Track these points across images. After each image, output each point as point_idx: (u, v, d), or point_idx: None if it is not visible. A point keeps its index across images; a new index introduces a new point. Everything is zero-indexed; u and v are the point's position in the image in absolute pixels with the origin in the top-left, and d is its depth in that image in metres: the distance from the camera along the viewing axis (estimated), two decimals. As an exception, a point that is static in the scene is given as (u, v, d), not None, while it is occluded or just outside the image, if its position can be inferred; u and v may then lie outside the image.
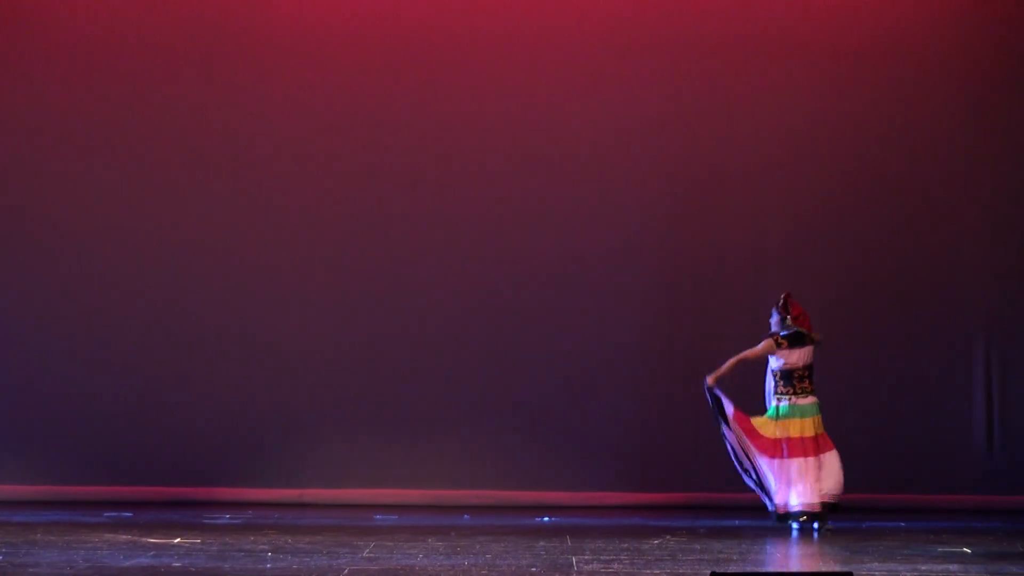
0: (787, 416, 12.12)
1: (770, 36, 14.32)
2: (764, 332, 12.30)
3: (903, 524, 12.75)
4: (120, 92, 14.31)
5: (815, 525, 11.94)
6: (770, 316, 12.33)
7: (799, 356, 12.17)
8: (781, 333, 12.20)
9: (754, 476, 12.18)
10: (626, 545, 11.13)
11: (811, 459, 12.03)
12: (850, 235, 14.26)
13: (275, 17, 14.40)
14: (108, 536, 11.34)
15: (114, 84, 14.32)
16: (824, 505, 11.97)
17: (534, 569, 9.89)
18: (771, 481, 12.08)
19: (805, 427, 12.09)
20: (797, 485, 11.97)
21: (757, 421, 12.16)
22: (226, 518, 12.81)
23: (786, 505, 12.01)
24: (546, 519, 12.99)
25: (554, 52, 14.37)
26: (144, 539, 11.10)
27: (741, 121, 14.30)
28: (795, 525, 11.97)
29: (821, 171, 14.28)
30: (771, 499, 12.10)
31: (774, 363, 12.24)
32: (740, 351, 12.27)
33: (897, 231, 14.29)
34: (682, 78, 14.30)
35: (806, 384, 12.17)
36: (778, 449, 12.06)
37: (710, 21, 14.35)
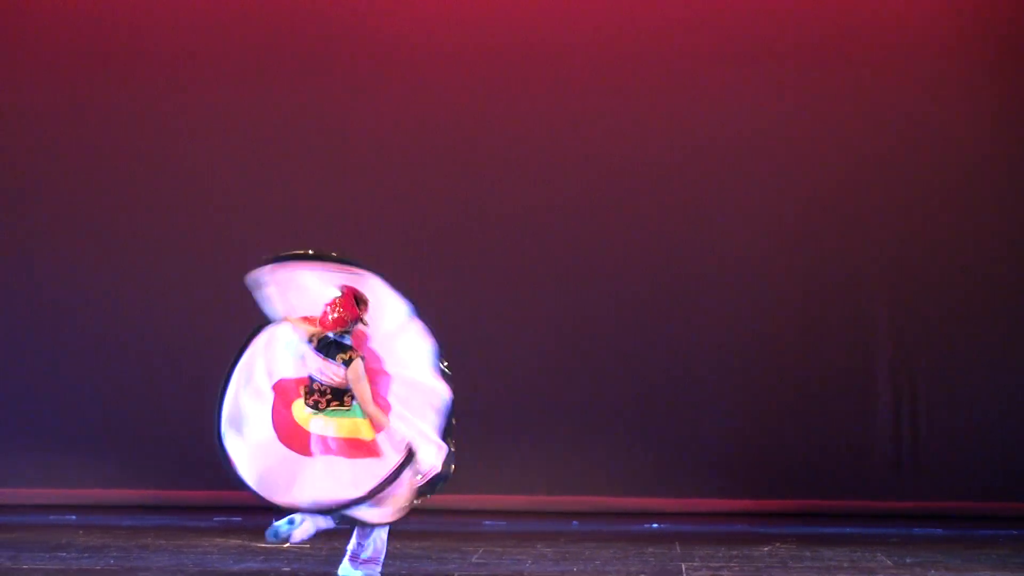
0: None
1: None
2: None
3: (1015, 532, 12.59)
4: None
5: None
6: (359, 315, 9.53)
7: None
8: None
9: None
10: (735, 552, 11.08)
11: None
12: (967, 242, 14.03)
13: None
14: (218, 541, 11.44)
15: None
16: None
17: (643, 575, 9.89)
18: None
19: None
20: None
21: None
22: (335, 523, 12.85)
23: None
24: (654, 525, 12.95)
25: (619, 59, 14.23)
26: (254, 544, 11.18)
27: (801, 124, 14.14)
28: None
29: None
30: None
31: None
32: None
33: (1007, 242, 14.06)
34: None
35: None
36: None
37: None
